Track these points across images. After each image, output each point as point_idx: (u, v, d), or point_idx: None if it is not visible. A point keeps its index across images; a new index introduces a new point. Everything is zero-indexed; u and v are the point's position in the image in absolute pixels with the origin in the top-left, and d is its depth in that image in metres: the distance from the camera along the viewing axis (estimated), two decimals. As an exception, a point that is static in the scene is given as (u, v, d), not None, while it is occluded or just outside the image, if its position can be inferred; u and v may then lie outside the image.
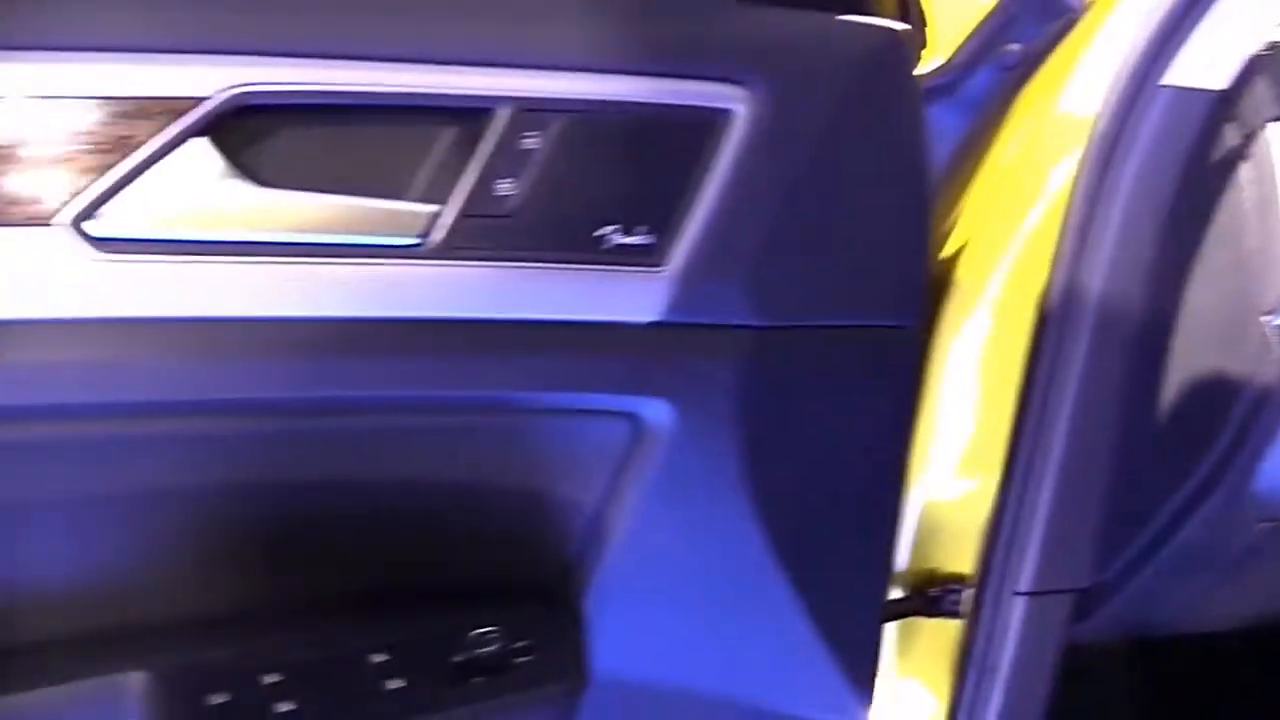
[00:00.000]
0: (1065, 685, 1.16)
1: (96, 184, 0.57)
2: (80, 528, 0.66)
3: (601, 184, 0.69)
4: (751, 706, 0.91)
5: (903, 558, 1.09)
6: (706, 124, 0.71)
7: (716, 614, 0.86)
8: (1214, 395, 1.09)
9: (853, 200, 0.78)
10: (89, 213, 0.57)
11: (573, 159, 0.68)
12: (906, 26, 0.80)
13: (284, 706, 0.66)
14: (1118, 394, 1.05)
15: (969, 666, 1.09)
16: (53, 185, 0.57)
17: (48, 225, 0.57)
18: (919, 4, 0.92)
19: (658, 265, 0.71)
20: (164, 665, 0.66)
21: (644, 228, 0.71)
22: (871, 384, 0.84)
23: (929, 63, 1.08)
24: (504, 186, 0.66)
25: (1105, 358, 1.03)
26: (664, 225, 0.71)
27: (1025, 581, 1.06)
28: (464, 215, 0.66)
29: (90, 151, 0.57)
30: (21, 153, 0.56)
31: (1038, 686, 1.11)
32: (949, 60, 1.13)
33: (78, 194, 0.57)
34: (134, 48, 0.57)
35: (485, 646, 0.73)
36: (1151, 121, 0.99)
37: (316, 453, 0.70)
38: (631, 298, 0.72)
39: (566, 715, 0.75)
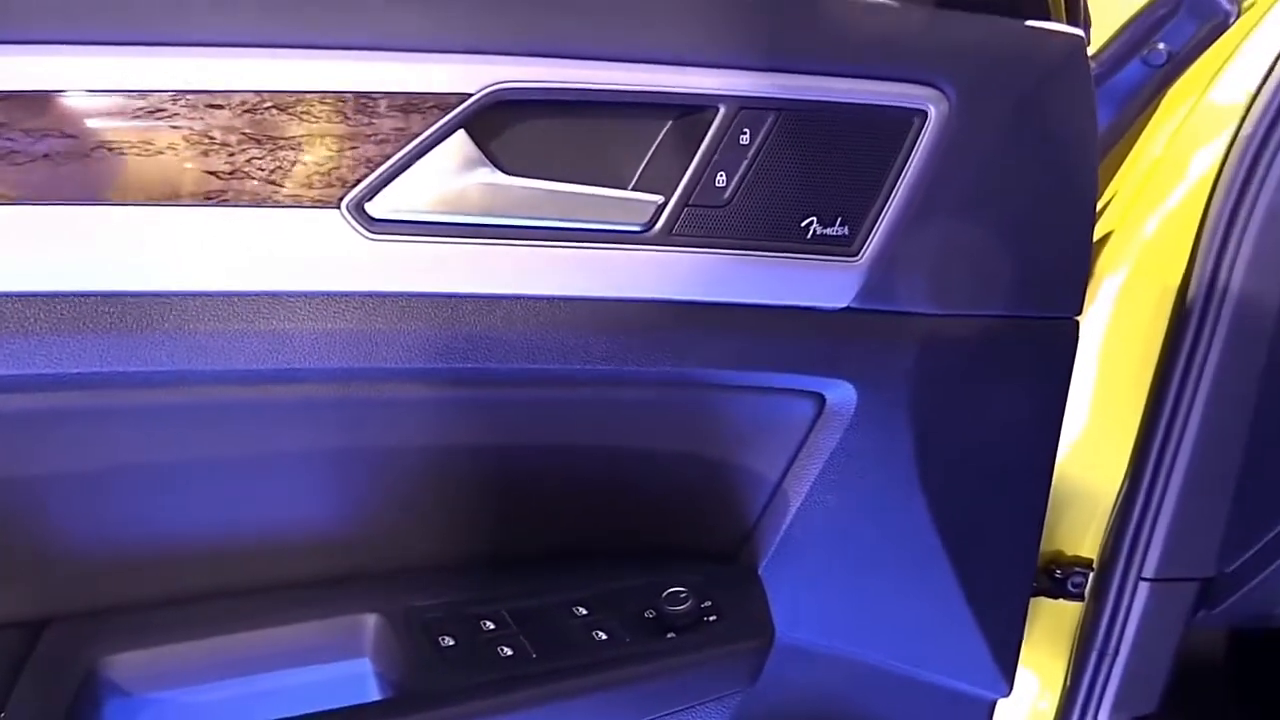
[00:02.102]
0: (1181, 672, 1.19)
1: (373, 172, 0.63)
2: (326, 481, 0.73)
3: (806, 178, 0.74)
4: (904, 675, 0.96)
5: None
6: (901, 123, 0.76)
7: (879, 586, 0.91)
8: None
9: (1028, 198, 0.82)
10: (367, 196, 0.63)
11: (782, 154, 0.73)
12: (1081, 33, 0.83)
13: (505, 651, 0.72)
14: (1254, 388, 1.09)
15: (1090, 649, 1.14)
16: (332, 173, 0.62)
17: (331, 206, 0.62)
18: (1086, 7, 0.95)
19: (852, 255, 0.76)
20: (397, 610, 0.73)
21: (841, 220, 0.75)
22: (1033, 371, 0.88)
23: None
24: (721, 179, 0.71)
25: (1243, 351, 1.07)
26: (859, 218, 0.76)
27: (1151, 568, 1.10)
28: (684, 204, 0.71)
29: (369, 142, 0.62)
30: (311, 142, 0.61)
31: (1157, 671, 1.15)
32: (1097, 54, 1.17)
33: (356, 180, 0.63)
34: (409, 48, 0.63)
35: (676, 605, 0.78)
36: None
37: (534, 420, 0.76)
38: (827, 285, 0.77)
39: (753, 673, 0.80)
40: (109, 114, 0.58)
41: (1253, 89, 1.05)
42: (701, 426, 0.81)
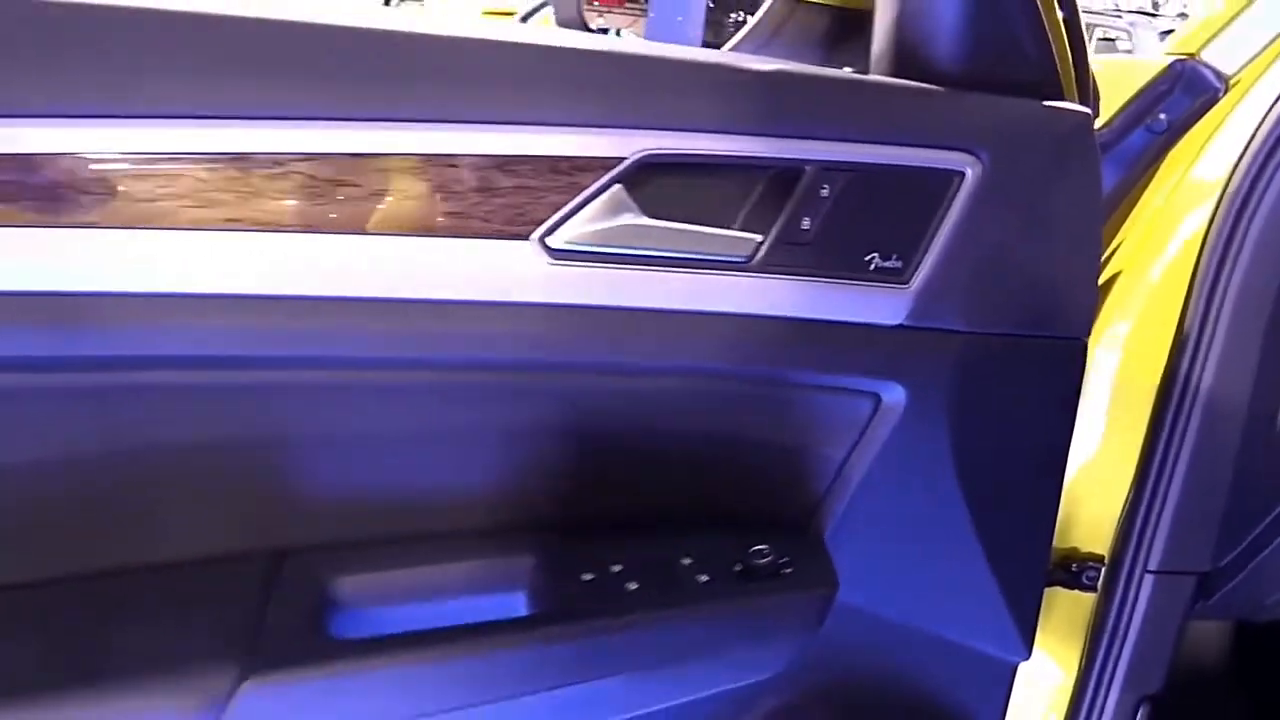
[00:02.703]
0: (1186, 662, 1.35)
1: (556, 213, 0.85)
2: (496, 452, 0.94)
3: (870, 222, 0.95)
4: (938, 635, 1.15)
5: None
6: (944, 182, 0.96)
7: (922, 557, 1.10)
8: None
9: (1045, 240, 1.02)
10: (550, 231, 0.85)
11: (852, 204, 0.93)
12: (1088, 110, 1.04)
13: (630, 586, 0.93)
14: (1243, 406, 1.26)
15: (1101, 635, 1.30)
16: (528, 214, 0.84)
17: (524, 239, 0.84)
18: (1096, 84, 1.16)
19: (904, 283, 0.97)
20: (547, 554, 0.94)
21: (896, 255, 0.96)
22: (1050, 382, 1.07)
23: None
24: (805, 222, 0.92)
25: (1233, 375, 1.25)
26: (910, 254, 0.97)
27: (1155, 561, 1.26)
28: (777, 241, 0.92)
29: (554, 192, 0.84)
30: (516, 192, 0.83)
31: (1161, 655, 1.31)
32: (1108, 123, 1.36)
33: (542, 219, 0.84)
34: (583, 124, 0.85)
35: (760, 559, 0.98)
36: (1277, 182, 1.22)
37: (651, 408, 0.97)
38: (884, 307, 0.97)
39: (819, 618, 1.01)
40: (383, 170, 0.80)
41: (1236, 156, 1.24)
42: (782, 417, 1.02)
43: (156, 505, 0.84)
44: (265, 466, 0.87)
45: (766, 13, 1.29)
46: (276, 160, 0.77)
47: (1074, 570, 1.32)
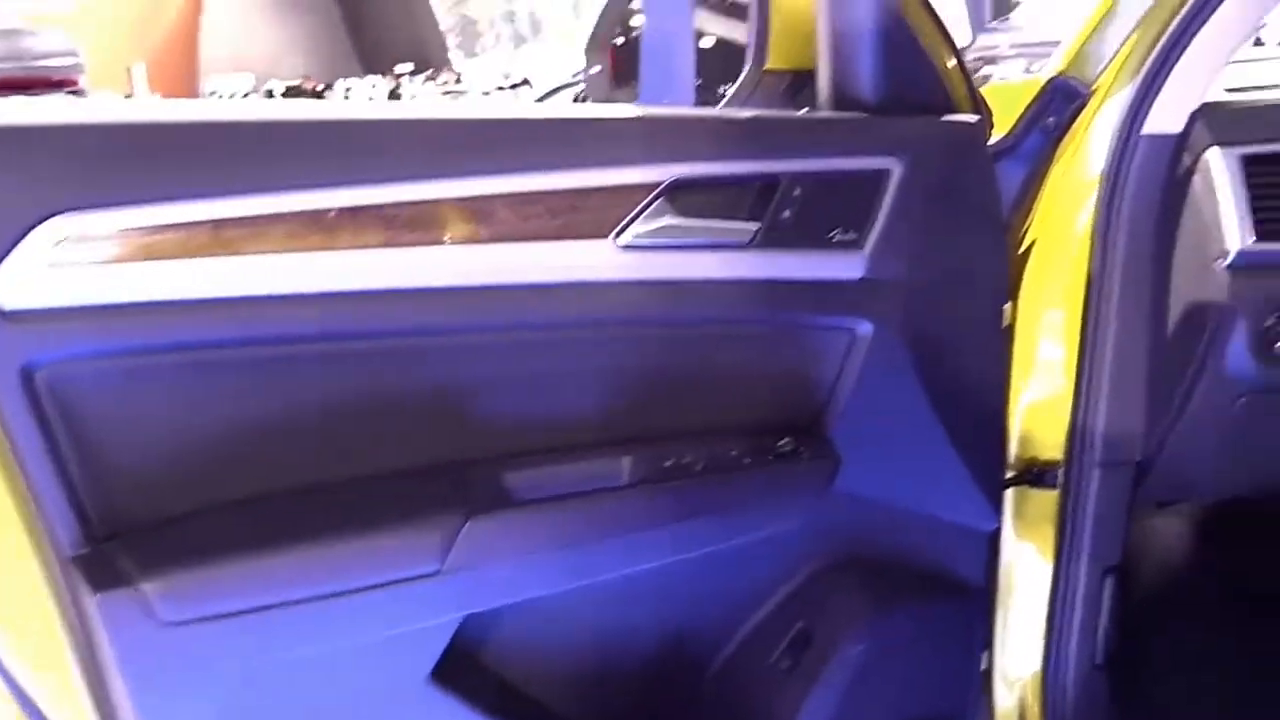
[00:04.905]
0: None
1: (623, 220, 1.31)
2: (579, 388, 1.36)
3: (831, 209, 1.40)
4: (926, 513, 1.54)
5: (1013, 450, 1.66)
6: (878, 177, 1.41)
7: (903, 451, 1.50)
8: (1194, 316, 1.70)
9: (956, 214, 1.47)
10: (620, 232, 1.31)
11: (816, 199, 1.39)
12: (980, 118, 1.50)
13: (697, 467, 1.37)
14: (1143, 327, 1.61)
15: (1065, 522, 1.61)
16: (605, 221, 1.30)
17: (604, 239, 1.31)
18: (986, 103, 1.62)
19: (860, 248, 1.42)
20: (636, 451, 1.38)
21: (851, 230, 1.42)
22: (976, 316, 1.51)
23: (998, 134, 1.72)
24: (786, 214, 1.38)
25: (1132, 305, 1.61)
26: (861, 228, 1.41)
27: (1098, 457, 1.58)
28: (768, 228, 1.38)
29: (618, 207, 1.31)
30: (599, 209, 1.29)
31: (1115, 533, 1.61)
32: (1010, 131, 1.77)
33: (615, 225, 1.30)
34: (638, 163, 1.31)
35: (784, 448, 1.43)
36: (1138, 158, 1.64)
37: (697, 349, 1.40)
38: (847, 266, 1.41)
39: (826, 482, 1.43)
40: (517, 202, 1.27)
41: (1107, 141, 1.60)
42: (787, 350, 1.44)
43: (383, 432, 1.29)
44: (443, 403, 1.31)
45: (743, 80, 1.79)
46: (454, 201, 1.24)
47: (1038, 473, 1.63)
